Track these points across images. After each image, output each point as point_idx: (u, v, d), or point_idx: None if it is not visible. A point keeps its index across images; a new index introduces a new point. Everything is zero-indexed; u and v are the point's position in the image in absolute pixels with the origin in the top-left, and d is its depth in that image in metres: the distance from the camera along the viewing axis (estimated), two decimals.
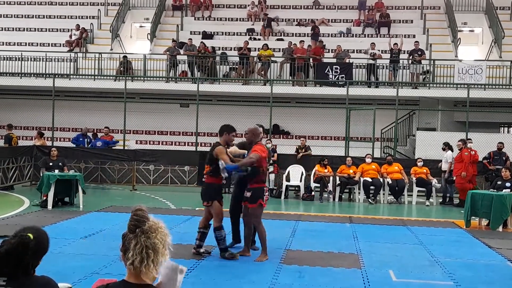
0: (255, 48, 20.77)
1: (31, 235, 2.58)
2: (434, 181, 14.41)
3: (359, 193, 14.47)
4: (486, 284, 6.57)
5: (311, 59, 19.56)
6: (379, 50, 19.72)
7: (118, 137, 18.16)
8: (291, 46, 20.05)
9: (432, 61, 19.56)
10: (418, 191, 14.47)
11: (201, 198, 7.49)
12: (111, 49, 21.91)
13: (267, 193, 7.50)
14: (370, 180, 14.31)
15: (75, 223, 9.67)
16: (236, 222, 8.26)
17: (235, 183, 8.65)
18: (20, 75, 20.28)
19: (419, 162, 14.67)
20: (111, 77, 20.35)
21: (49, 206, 11.38)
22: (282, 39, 21.78)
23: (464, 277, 6.79)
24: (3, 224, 9.28)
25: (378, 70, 19.45)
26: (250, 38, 21.76)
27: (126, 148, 17.56)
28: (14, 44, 22.11)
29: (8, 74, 20.24)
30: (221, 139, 7.55)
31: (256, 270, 6.79)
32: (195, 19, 23.72)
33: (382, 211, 13.12)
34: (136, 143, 19.78)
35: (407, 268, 7.17)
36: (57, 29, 23.20)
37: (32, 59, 20.37)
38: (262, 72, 19.93)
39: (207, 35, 22.17)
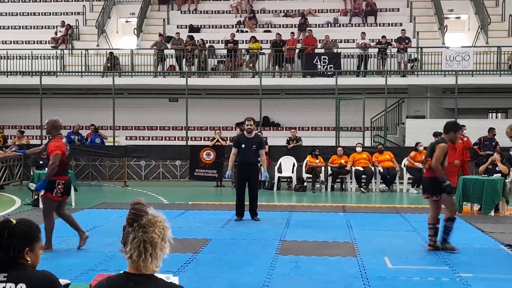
0: (243, 41, 20.71)
1: (14, 221, 2.61)
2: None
3: (351, 182, 14.52)
4: (481, 267, 6.61)
5: (297, 50, 19.55)
6: (369, 40, 19.70)
7: (107, 133, 18.08)
8: (277, 38, 19.97)
9: (419, 49, 19.61)
10: (409, 178, 14.54)
11: (425, 192, 7.43)
12: (98, 45, 21.75)
13: (60, 186, 7.32)
14: (361, 169, 14.36)
15: None
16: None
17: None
18: (6, 73, 20.07)
19: (420, 146, 14.48)
20: (98, 73, 20.20)
21: (41, 205, 11.27)
22: (269, 31, 21.73)
23: (459, 261, 6.84)
24: None
25: (367, 59, 19.46)
26: (237, 31, 21.69)
27: (116, 144, 17.46)
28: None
29: None
30: None
31: (252, 262, 6.79)
32: (181, 12, 23.61)
33: (375, 200, 13.18)
34: (126, 139, 19.67)
35: (402, 255, 7.21)
36: (42, 26, 22.95)
37: (18, 57, 20.17)
38: (251, 65, 19.90)
39: (193, 29, 22.07)
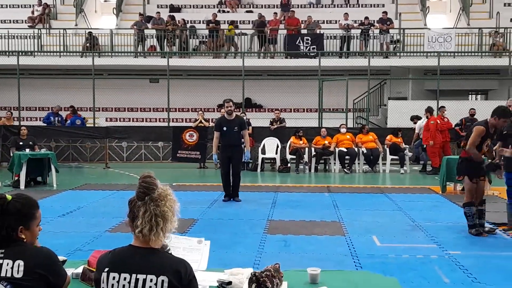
0: (224, 21, 20.49)
1: (9, 197, 2.54)
2: (407, 149, 14.59)
3: (334, 163, 14.54)
4: (469, 244, 6.67)
5: (282, 31, 19.41)
6: (352, 21, 19.65)
7: (87, 115, 17.82)
8: (259, 18, 19.82)
9: (401, 30, 19.63)
10: (392, 159, 14.63)
11: (459, 174, 7.30)
12: (76, 25, 21.33)
13: None
14: (345, 150, 14.38)
15: (51, 202, 9.45)
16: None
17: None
18: None
19: (398, 132, 14.79)
20: (77, 54, 19.83)
21: (22, 186, 11.10)
22: (251, 11, 21.52)
23: (446, 239, 6.88)
24: None
25: (349, 40, 19.42)
26: (219, 11, 21.44)
27: (96, 126, 17.21)
28: None
29: None
30: None
31: (241, 241, 6.74)
32: None
33: (358, 180, 13.22)
34: (106, 120, 19.41)
35: (390, 234, 7.23)
36: (18, 5, 22.40)
37: None
38: (232, 46, 19.71)
39: (174, 9, 21.76)
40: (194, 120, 15.95)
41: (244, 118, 14.34)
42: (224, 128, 9.61)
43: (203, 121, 15.62)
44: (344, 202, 9.60)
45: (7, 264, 2.43)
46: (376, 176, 13.97)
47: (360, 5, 21.77)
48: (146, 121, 19.43)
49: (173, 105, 17.83)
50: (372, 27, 19.31)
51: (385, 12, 19.56)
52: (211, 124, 15.57)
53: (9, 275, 2.42)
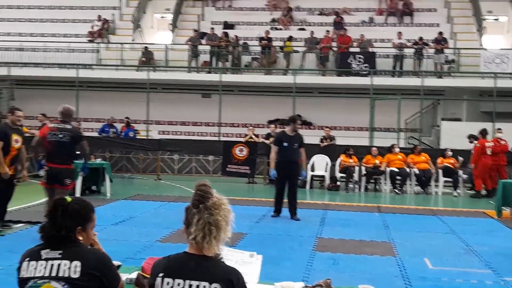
0: (277, 38, 20.64)
1: (69, 199, 2.64)
2: (461, 171, 14.24)
3: (385, 183, 14.33)
4: None
5: (334, 49, 19.40)
6: (406, 40, 19.41)
7: (140, 127, 18.24)
8: (314, 36, 19.88)
9: (457, 50, 19.26)
10: (445, 181, 14.29)
11: None
12: (133, 40, 21.94)
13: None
14: (396, 170, 14.15)
15: (104, 210, 9.68)
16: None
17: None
18: (43, 65, 20.38)
19: (448, 152, 14.46)
20: (133, 68, 20.37)
21: (77, 194, 11.41)
22: (303, 29, 21.61)
23: (502, 265, 6.66)
24: (35, 211, 9.35)
25: (402, 59, 19.19)
26: (272, 28, 21.63)
27: (149, 138, 17.59)
28: (38, 35, 22.21)
29: (32, 65, 20.32)
30: None
31: (289, 257, 6.74)
32: (216, 9, 23.65)
33: (409, 201, 12.98)
34: (159, 133, 19.79)
35: (442, 257, 7.06)
36: (79, 20, 23.25)
37: (55, 50, 20.47)
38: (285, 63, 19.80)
39: (228, 25, 22.09)
40: (244, 135, 16.07)
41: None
42: (285, 144, 9.49)
43: (253, 136, 15.72)
44: (395, 223, 9.44)
45: (65, 264, 2.51)
46: (428, 198, 13.68)
47: (414, 24, 21.50)
48: (197, 135, 19.70)
49: (224, 120, 18.03)
50: (426, 47, 19.03)
51: (440, 33, 19.25)
52: (261, 139, 15.66)
53: (66, 275, 2.49)
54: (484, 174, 13.61)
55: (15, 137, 7.99)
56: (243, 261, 3.64)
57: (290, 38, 19.95)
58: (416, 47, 19.03)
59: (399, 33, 19.51)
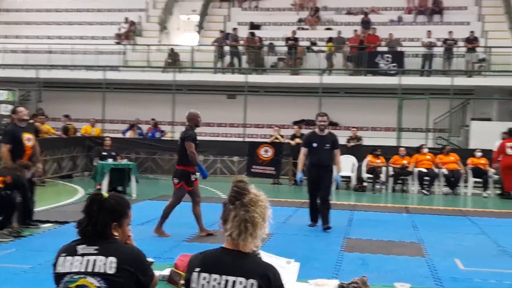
0: (303, 38, 20.52)
1: (106, 194, 2.67)
2: (491, 172, 13.91)
3: (413, 184, 14.08)
4: None
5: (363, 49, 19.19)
6: (436, 39, 19.08)
7: (166, 128, 18.30)
8: (341, 36, 19.70)
9: (488, 49, 18.87)
10: (475, 182, 13.98)
11: None
12: (159, 41, 22.07)
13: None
14: (425, 170, 13.90)
15: None
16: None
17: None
18: (71, 68, 20.63)
19: (478, 152, 14.15)
20: (159, 69, 20.47)
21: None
22: (330, 29, 21.44)
23: None
24: (62, 211, 9.42)
25: (431, 58, 18.87)
26: (298, 28, 21.52)
27: (175, 139, 17.63)
28: (66, 38, 22.51)
29: (60, 67, 20.60)
30: None
31: (317, 258, 6.64)
32: (242, 9, 23.64)
33: (438, 202, 12.74)
34: None
35: (474, 257, 6.87)
36: (106, 22, 23.50)
37: (83, 52, 20.71)
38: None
39: (254, 26, 22.04)
40: (269, 136, 15.98)
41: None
42: (314, 145, 8.50)
43: (278, 137, 15.63)
44: (424, 223, 9.24)
45: (101, 260, 2.51)
46: (457, 199, 13.40)
47: (444, 23, 21.14)
48: (222, 135, 19.69)
49: (249, 121, 17.98)
50: (455, 45, 18.68)
51: (472, 32, 18.86)
52: (286, 140, 15.56)
53: (102, 270, 2.49)
54: (503, 174, 13.25)
55: (26, 135, 7.96)
56: (280, 267, 3.58)
57: (331, 39, 19.71)
58: (446, 46, 18.69)
59: (429, 32, 19.18)
